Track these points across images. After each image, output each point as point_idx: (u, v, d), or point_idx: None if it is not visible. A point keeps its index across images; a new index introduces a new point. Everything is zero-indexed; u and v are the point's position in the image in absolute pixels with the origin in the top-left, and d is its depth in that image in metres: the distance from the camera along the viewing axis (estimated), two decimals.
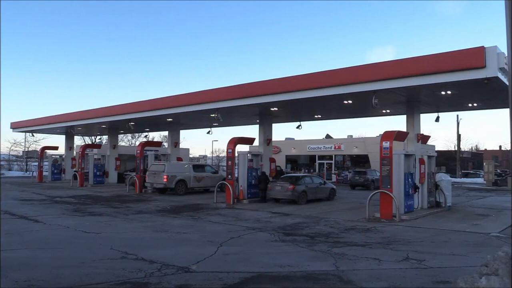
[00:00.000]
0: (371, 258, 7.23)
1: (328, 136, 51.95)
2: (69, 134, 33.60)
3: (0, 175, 38.93)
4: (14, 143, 51.78)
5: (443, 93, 13.35)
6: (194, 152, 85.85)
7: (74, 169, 29.17)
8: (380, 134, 16.85)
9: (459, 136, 49.61)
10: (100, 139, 48.97)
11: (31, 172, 40.92)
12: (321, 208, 15.56)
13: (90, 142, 47.39)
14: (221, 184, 17.85)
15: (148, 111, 21.06)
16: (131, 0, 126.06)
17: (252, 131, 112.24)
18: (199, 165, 23.25)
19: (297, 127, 20.52)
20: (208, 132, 21.89)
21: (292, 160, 44.04)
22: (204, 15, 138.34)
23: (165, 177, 19.94)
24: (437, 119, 17.46)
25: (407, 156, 13.58)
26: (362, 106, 16.84)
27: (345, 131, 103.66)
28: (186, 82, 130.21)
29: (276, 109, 17.93)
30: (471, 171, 50.30)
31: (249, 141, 19.21)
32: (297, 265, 6.63)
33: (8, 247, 7.77)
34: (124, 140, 58.75)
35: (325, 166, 41.04)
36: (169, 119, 23.16)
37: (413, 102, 15.28)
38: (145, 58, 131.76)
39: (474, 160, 64.49)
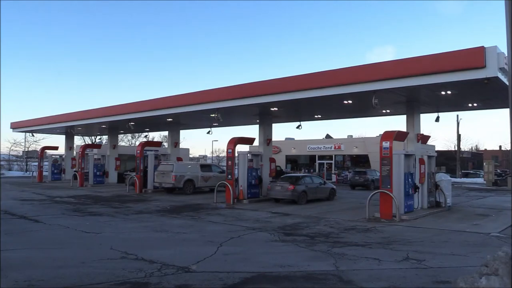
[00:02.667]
0: (371, 258, 7.23)
1: (328, 136, 51.96)
2: (69, 134, 33.60)
3: (0, 175, 38.92)
4: (14, 143, 51.84)
5: (443, 93, 13.35)
6: (194, 152, 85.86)
7: (74, 169, 29.17)
8: (380, 134, 16.84)
9: (459, 136, 49.61)
10: (100, 139, 48.97)
11: (31, 172, 40.92)
12: (321, 208, 15.56)
13: (90, 142, 47.39)
14: (222, 184, 17.85)
15: (148, 111, 21.07)
16: (131, 0, 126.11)
17: (252, 131, 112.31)
18: (206, 165, 23.75)
19: (297, 127, 20.52)
20: (208, 132, 21.91)
21: (292, 160, 44.04)
22: (204, 15, 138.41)
23: (173, 176, 20.27)
24: (437, 119, 17.46)
25: (407, 156, 13.58)
26: (362, 106, 16.85)
27: (345, 131, 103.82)
28: (186, 82, 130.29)
29: (276, 109, 17.94)
30: (471, 171, 50.30)
31: (249, 141, 19.21)
32: (297, 265, 6.63)
33: (8, 247, 7.77)
34: (124, 140, 58.77)
35: (325, 166, 41.03)
36: (169, 119, 23.17)
37: (413, 102, 15.28)
38: (145, 58, 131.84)
39: (474, 160, 64.50)
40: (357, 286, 5.52)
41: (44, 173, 32.11)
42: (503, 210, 15.42)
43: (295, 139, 45.57)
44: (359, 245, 8.45)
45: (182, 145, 37.40)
